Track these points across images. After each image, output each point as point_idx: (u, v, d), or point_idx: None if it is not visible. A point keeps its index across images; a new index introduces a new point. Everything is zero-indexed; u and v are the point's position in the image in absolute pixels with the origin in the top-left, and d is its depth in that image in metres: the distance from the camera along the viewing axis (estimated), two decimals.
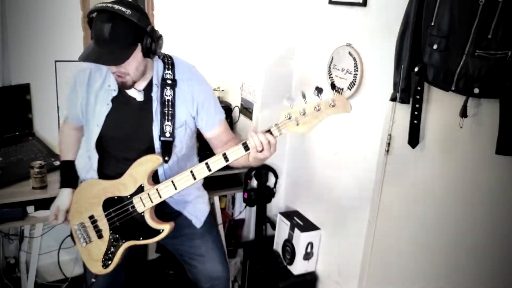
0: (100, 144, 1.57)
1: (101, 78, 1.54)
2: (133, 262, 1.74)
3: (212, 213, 1.79)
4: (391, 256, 1.85)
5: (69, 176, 1.67)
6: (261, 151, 1.33)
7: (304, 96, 1.30)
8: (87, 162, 1.62)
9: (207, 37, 2.79)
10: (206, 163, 1.41)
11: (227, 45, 2.70)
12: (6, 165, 2.02)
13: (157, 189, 1.48)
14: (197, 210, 1.73)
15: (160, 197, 1.48)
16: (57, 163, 2.10)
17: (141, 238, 1.55)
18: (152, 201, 1.49)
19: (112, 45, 1.33)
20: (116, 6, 1.32)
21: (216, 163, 1.40)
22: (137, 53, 1.40)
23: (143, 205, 1.50)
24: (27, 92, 2.24)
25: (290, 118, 1.31)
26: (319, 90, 1.26)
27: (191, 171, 1.43)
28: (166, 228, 1.52)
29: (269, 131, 1.34)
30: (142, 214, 1.51)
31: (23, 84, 2.23)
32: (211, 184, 1.78)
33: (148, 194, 1.49)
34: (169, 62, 1.55)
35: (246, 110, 2.51)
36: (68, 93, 1.63)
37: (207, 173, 1.42)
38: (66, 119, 1.74)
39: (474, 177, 1.48)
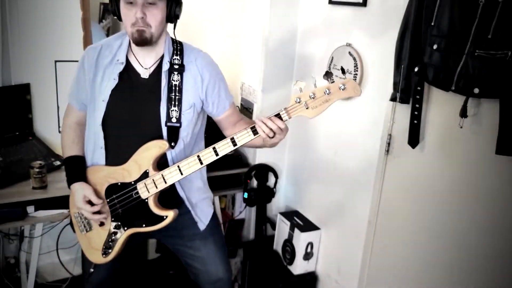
0: (106, 125, 1.53)
1: (111, 54, 1.53)
2: (133, 262, 1.72)
3: (215, 213, 1.78)
4: (391, 256, 1.85)
5: (78, 171, 1.58)
6: (273, 137, 1.34)
7: (314, 82, 1.31)
8: (91, 143, 1.59)
9: (207, 37, 2.79)
10: (214, 148, 1.40)
11: (227, 45, 2.70)
12: (6, 165, 2.01)
13: (162, 175, 1.47)
14: (202, 213, 1.70)
15: (165, 182, 1.47)
16: (57, 163, 2.10)
17: (143, 225, 1.53)
18: (156, 187, 1.48)
19: None
20: None
21: (223, 147, 1.39)
22: (163, 8, 1.42)
23: (147, 191, 1.49)
24: (27, 92, 2.24)
25: (299, 102, 1.32)
26: (328, 75, 1.28)
27: (198, 156, 1.43)
28: (169, 214, 1.50)
29: (278, 115, 1.34)
30: (146, 200, 1.50)
31: (23, 84, 2.22)
32: (211, 184, 1.77)
33: (153, 180, 1.48)
34: (178, 48, 1.56)
35: (246, 110, 2.51)
36: (76, 73, 1.60)
37: (214, 158, 1.41)
38: (70, 107, 1.66)
39: (474, 177, 1.48)
